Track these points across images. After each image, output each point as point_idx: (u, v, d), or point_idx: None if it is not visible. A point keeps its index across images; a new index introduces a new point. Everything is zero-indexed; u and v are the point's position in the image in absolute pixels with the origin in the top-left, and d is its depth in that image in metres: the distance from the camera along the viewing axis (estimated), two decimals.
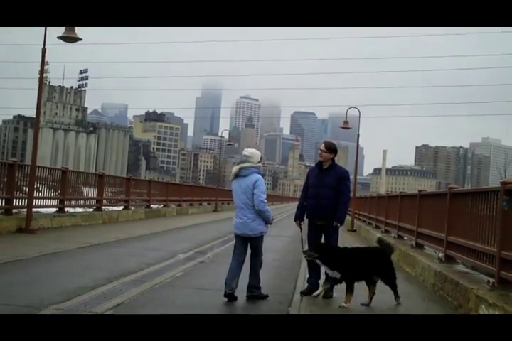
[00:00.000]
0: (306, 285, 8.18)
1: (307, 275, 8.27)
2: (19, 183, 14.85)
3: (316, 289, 7.87)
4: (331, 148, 8.01)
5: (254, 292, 7.54)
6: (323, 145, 8.03)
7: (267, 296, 7.59)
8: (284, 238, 17.29)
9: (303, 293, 7.87)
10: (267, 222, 7.58)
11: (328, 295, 7.72)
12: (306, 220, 8.23)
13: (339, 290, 7.89)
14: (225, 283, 7.42)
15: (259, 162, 7.64)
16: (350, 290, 7.26)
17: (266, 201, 7.51)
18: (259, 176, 7.53)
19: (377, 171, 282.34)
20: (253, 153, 7.68)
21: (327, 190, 7.84)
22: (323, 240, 8.05)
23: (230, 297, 7.34)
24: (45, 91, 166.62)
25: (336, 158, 8.14)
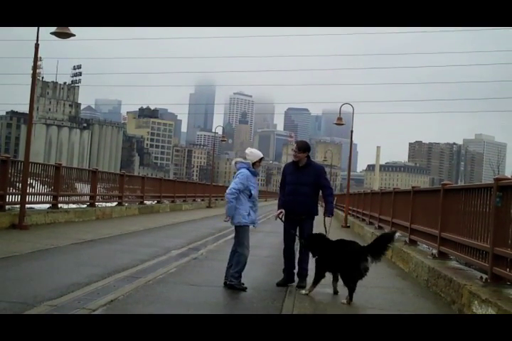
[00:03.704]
0: (297, 280, 8.38)
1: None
2: (12, 179, 14.79)
3: (292, 280, 8.29)
4: (303, 148, 8.37)
5: (232, 281, 7.84)
6: (295, 146, 8.42)
7: (245, 289, 7.79)
8: (278, 234, 17.27)
9: (278, 284, 8.23)
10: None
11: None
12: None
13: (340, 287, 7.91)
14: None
15: (260, 161, 8.15)
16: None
17: (233, 192, 7.89)
18: (243, 170, 8.01)
19: (370, 167, 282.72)
20: (252, 152, 8.26)
21: (305, 187, 8.24)
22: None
23: (225, 285, 7.91)
24: (39, 87, 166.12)
25: (310, 155, 8.50)
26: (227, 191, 7.99)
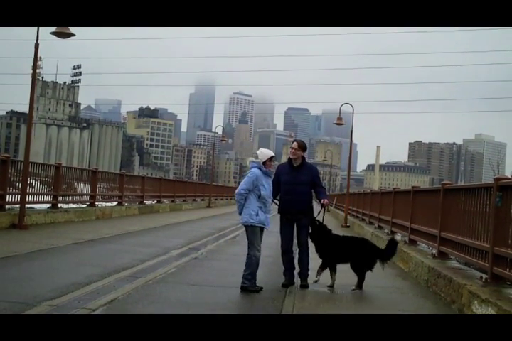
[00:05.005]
0: (299, 280, 8.42)
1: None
2: (12, 179, 14.79)
3: (293, 281, 8.38)
4: (303, 147, 8.53)
5: (245, 283, 7.78)
6: (295, 143, 8.52)
7: (259, 289, 7.73)
8: (278, 234, 17.28)
9: (284, 285, 8.23)
10: None
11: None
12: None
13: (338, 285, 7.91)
14: None
15: (270, 160, 8.11)
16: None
17: (242, 193, 7.96)
18: (253, 170, 8.03)
19: (370, 167, 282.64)
20: (262, 151, 8.31)
21: (303, 186, 8.37)
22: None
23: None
24: (38, 86, 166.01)
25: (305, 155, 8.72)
26: (237, 191, 8.04)
